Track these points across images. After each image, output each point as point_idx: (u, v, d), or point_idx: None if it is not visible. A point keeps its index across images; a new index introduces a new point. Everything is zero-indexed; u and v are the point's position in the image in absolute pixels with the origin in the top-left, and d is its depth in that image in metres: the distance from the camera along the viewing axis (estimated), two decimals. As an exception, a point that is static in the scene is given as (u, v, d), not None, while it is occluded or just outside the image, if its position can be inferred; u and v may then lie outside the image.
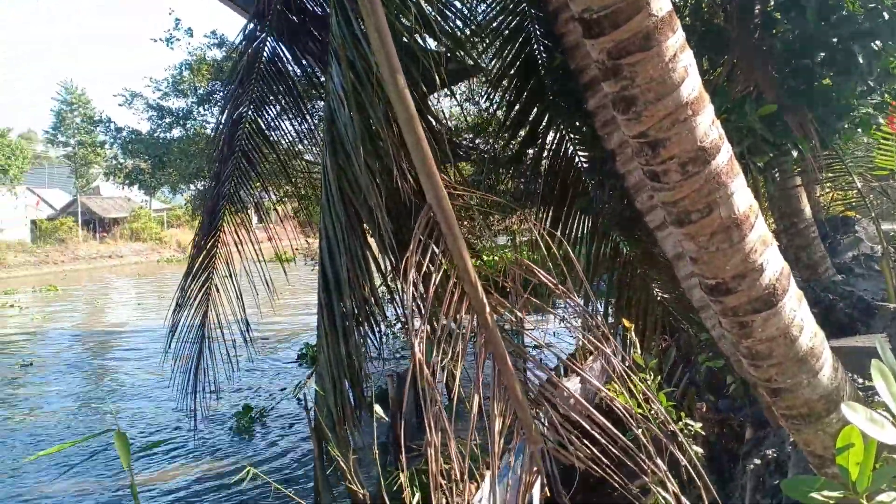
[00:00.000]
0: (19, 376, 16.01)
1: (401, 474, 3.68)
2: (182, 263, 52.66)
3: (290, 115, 7.59)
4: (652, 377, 4.90)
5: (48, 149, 69.06)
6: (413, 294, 2.99)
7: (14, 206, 52.27)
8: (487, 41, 6.34)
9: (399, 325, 9.83)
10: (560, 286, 3.36)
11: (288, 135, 7.75)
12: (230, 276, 7.67)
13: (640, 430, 3.05)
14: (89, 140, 50.21)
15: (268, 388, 14.22)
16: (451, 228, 3.03)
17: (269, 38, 6.99)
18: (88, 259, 51.36)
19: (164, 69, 23.79)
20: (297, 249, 8.42)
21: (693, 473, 3.05)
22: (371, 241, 4.87)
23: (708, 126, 2.58)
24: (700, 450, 5.38)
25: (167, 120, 15.78)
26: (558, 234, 5.68)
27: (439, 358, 2.90)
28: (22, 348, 19.90)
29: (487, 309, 3.07)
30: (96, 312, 29.47)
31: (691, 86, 2.52)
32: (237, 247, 7.69)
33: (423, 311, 3.12)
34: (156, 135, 15.89)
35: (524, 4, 5.92)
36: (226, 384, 9.46)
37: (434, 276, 2.97)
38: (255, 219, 8.11)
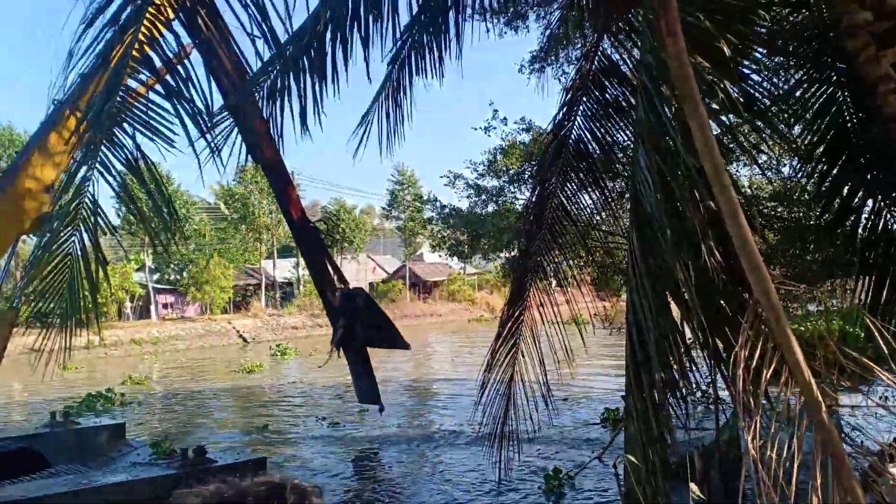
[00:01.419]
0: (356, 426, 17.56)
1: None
2: (489, 322, 54.98)
3: (589, 191, 7.72)
4: None
5: (383, 222, 77.13)
6: (742, 390, 2.84)
7: (355, 270, 59.07)
8: (793, 111, 5.93)
9: (699, 394, 9.27)
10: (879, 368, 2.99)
11: (587, 209, 7.87)
12: (534, 341, 7.84)
13: None
14: (417, 214, 55.18)
15: (571, 449, 14.12)
16: (780, 321, 2.83)
17: (577, 123, 7.22)
18: (413, 317, 55.98)
19: (481, 153, 25.57)
20: (594, 315, 8.42)
21: None
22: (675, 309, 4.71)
23: None
24: None
25: (482, 197, 16.88)
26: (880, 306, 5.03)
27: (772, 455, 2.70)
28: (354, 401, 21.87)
29: (823, 408, 2.80)
30: (419, 364, 31.84)
31: None
32: (539, 313, 7.85)
33: (751, 407, 2.94)
34: (473, 210, 17.04)
35: (833, 75, 5.47)
36: (528, 445, 9.62)
37: (764, 372, 2.80)
38: (552, 282, 8.27)
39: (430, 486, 12.05)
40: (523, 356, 7.93)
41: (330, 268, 10.87)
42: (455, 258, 20.03)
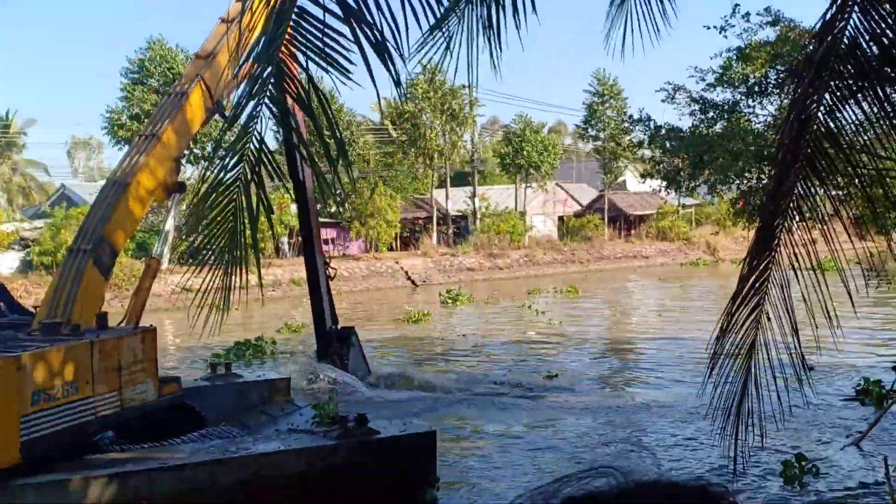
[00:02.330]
0: (546, 388, 17.65)
1: None
2: (709, 268, 53.26)
3: (866, 105, 7.04)
4: None
5: (577, 143, 76.16)
6: None
7: (542, 201, 58.98)
8: None
9: None
10: None
11: (862, 133, 7.21)
12: (786, 305, 7.36)
13: None
14: (619, 134, 53.77)
15: (819, 431, 13.44)
16: None
17: (852, 16, 6.54)
18: (613, 258, 55.30)
19: (710, 57, 24.16)
20: (850, 261, 7.77)
21: None
22: None
23: None
24: None
25: (710, 114, 16.02)
26: None
27: None
28: (545, 357, 22.04)
29: None
30: (617, 320, 31.45)
31: None
32: (794, 269, 7.35)
33: None
34: (697, 130, 16.26)
35: None
36: (772, 426, 9.17)
37: None
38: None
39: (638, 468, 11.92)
40: (768, 319, 7.51)
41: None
42: (670, 189, 19.24)
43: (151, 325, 10.95)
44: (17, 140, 62.23)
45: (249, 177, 4.40)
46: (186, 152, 45.47)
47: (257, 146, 4.29)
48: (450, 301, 35.89)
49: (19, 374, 8.36)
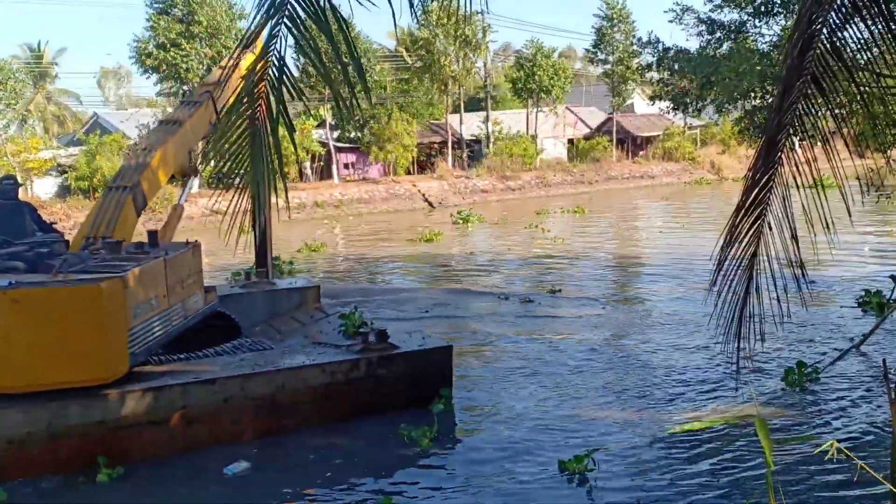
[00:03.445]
0: (545, 304, 17.54)
1: None
2: (712, 186, 52.97)
3: (869, 23, 6.85)
4: None
5: (586, 67, 74.74)
6: None
7: (553, 124, 58.33)
8: None
9: None
10: None
11: (865, 51, 7.03)
12: (786, 214, 7.30)
13: None
14: (628, 58, 52.75)
15: (822, 341, 13.50)
16: None
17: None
18: (621, 179, 54.95)
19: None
20: (848, 177, 7.68)
21: None
22: None
23: None
24: None
25: (717, 35, 15.63)
26: None
27: None
28: (547, 274, 22.06)
29: None
30: (621, 238, 31.42)
31: None
32: (794, 180, 7.27)
33: None
34: (704, 51, 15.89)
35: None
36: (773, 334, 9.22)
37: None
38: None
39: (642, 376, 12.05)
40: (770, 229, 7.46)
41: None
42: (678, 111, 18.93)
43: (196, 241, 11.21)
44: (50, 70, 61.80)
45: (270, 95, 4.37)
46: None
47: (278, 66, 4.23)
48: (461, 221, 35.99)
49: (126, 292, 8.65)
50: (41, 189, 40.81)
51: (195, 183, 12.79)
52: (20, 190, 11.64)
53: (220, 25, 43.42)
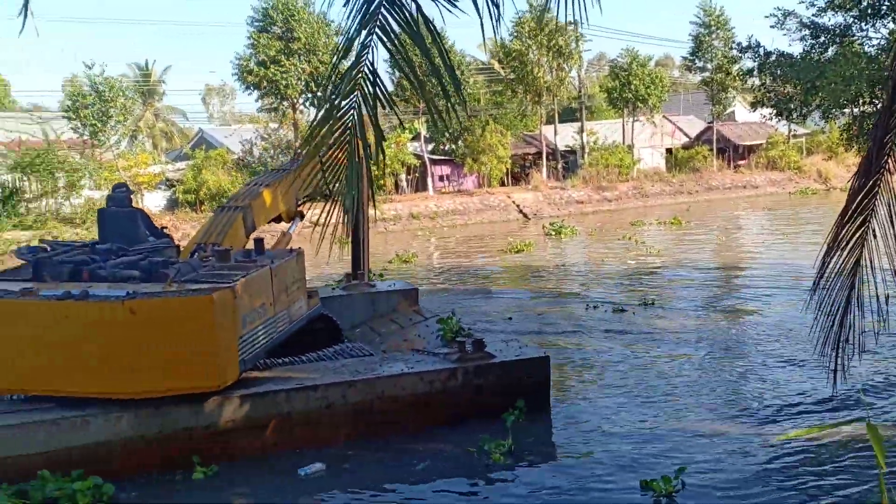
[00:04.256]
0: (638, 314, 17.21)
1: None
2: (819, 196, 50.85)
3: None
4: None
5: (684, 75, 73.31)
6: None
7: (650, 134, 57.34)
8: None
9: None
10: None
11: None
12: (892, 221, 7.00)
13: None
14: (728, 64, 51.45)
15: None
16: None
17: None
18: (722, 189, 53.48)
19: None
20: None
21: None
22: None
23: None
24: None
25: (821, 39, 15.10)
26: None
27: None
28: (640, 284, 21.59)
29: None
30: (719, 249, 30.50)
31: None
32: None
33: None
34: (808, 56, 15.36)
35: None
36: (872, 344, 8.82)
37: None
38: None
39: (736, 387, 11.69)
40: (874, 236, 7.17)
41: None
42: (781, 118, 18.32)
43: (300, 248, 11.58)
44: (158, 88, 64.66)
45: (363, 106, 4.43)
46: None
47: (371, 77, 4.31)
48: (553, 233, 35.76)
49: (236, 301, 9.00)
50: (151, 202, 42.66)
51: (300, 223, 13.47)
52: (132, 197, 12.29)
53: (318, 42, 44.51)
